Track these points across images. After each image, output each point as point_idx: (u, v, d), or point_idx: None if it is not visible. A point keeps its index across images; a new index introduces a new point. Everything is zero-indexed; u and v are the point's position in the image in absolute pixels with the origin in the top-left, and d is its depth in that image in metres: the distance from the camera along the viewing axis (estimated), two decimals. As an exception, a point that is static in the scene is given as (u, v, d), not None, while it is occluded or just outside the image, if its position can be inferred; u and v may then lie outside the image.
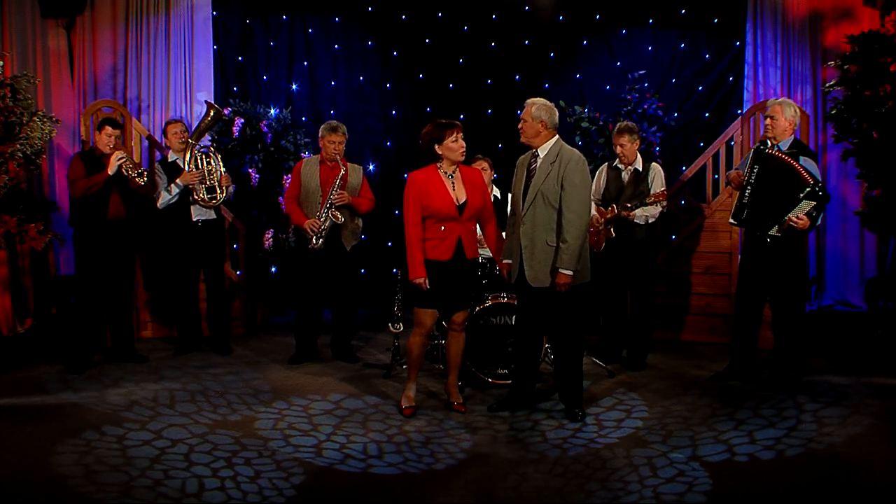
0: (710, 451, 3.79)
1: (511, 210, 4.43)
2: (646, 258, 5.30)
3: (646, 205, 5.11)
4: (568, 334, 4.27)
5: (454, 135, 4.27)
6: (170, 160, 5.61)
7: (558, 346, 4.34)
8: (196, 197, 5.47)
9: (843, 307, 6.90)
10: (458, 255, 4.30)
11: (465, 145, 4.31)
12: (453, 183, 4.32)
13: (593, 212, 5.30)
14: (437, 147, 4.28)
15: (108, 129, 5.23)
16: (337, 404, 4.60)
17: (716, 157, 6.31)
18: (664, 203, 5.14)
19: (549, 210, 4.16)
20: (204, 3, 6.96)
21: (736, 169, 4.98)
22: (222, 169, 5.61)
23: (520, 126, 4.30)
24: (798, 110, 4.75)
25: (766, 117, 4.75)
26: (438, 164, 4.33)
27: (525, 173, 4.30)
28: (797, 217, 4.41)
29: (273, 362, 5.48)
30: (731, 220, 4.74)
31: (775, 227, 4.48)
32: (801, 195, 4.36)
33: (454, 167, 4.35)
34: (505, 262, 4.42)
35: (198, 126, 5.67)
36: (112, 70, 6.79)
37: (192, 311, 5.69)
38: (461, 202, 4.29)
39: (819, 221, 4.55)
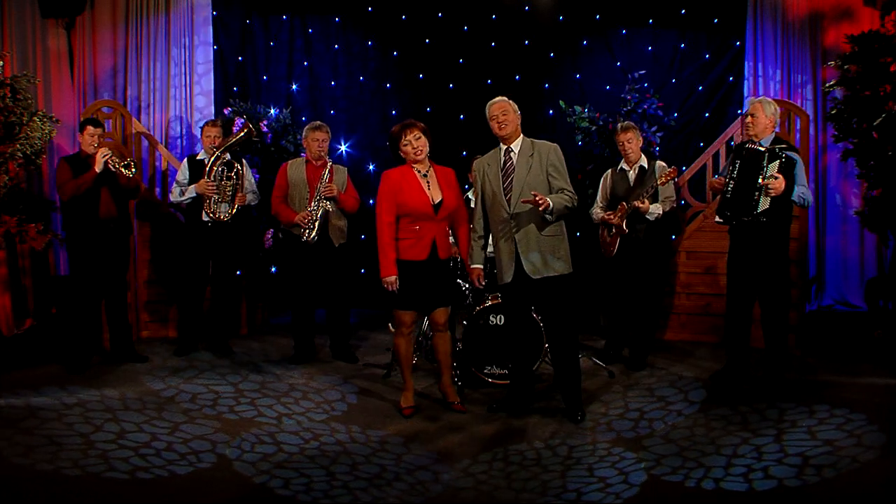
0: (669, 464, 3.75)
1: (479, 213, 4.38)
2: (653, 258, 5.30)
3: (655, 186, 5.08)
4: (563, 330, 4.27)
5: (405, 137, 4.27)
6: (199, 157, 5.65)
7: (555, 344, 4.34)
8: (205, 206, 5.49)
9: (843, 307, 6.90)
10: (433, 256, 4.30)
11: (419, 146, 4.27)
12: (428, 182, 4.32)
13: (602, 214, 5.33)
14: (399, 152, 4.32)
15: (90, 128, 5.23)
16: (334, 404, 4.60)
17: (716, 157, 6.30)
18: (676, 179, 5.14)
19: None
20: (204, 3, 6.96)
21: (717, 176, 5.02)
22: (250, 180, 5.70)
23: (502, 119, 4.23)
24: (778, 108, 4.80)
25: (746, 115, 4.80)
26: (409, 163, 4.33)
27: (499, 171, 4.27)
28: (772, 179, 4.48)
29: (272, 363, 5.48)
30: (717, 219, 4.81)
31: (761, 201, 4.54)
32: (763, 163, 4.52)
33: (426, 166, 4.34)
34: (475, 266, 4.40)
35: (227, 139, 5.67)
36: (112, 70, 6.79)
37: (195, 311, 5.69)
38: (437, 202, 4.29)
39: (801, 195, 4.59)
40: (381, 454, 3.85)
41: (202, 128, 5.74)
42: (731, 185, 4.64)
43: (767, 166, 4.51)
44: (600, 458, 3.78)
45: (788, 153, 4.57)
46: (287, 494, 3.37)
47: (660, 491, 3.38)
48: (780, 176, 4.48)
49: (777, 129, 4.80)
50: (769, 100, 4.80)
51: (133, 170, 5.17)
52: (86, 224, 5.19)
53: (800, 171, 4.61)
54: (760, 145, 4.63)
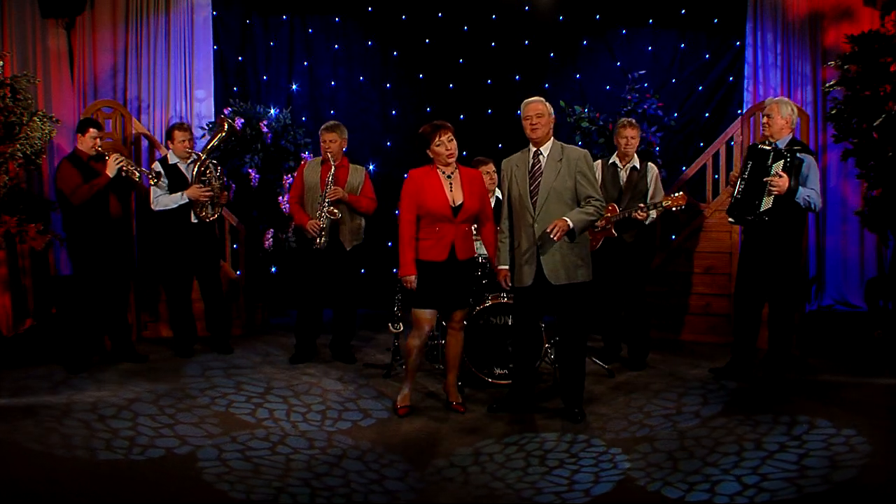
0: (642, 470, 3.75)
1: (506, 213, 4.38)
2: (639, 259, 5.31)
3: (660, 206, 5.08)
4: (575, 334, 4.27)
5: (439, 137, 4.25)
6: (170, 162, 5.56)
7: (564, 347, 4.33)
8: (196, 210, 5.48)
9: (843, 307, 6.90)
10: (451, 257, 4.30)
11: (453, 148, 4.27)
12: (451, 184, 4.31)
13: None
14: (427, 150, 4.31)
15: (93, 130, 5.23)
16: (333, 404, 4.60)
17: (716, 157, 6.31)
18: (682, 205, 5.14)
19: (562, 207, 4.16)
20: (204, 3, 6.96)
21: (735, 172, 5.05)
22: (221, 179, 5.65)
23: (536, 122, 4.22)
24: (796, 109, 4.78)
25: (763, 115, 4.79)
26: (435, 164, 4.34)
27: (526, 173, 4.27)
28: (776, 177, 4.48)
29: (272, 362, 5.48)
30: (730, 219, 4.83)
31: (763, 200, 4.53)
32: (769, 163, 4.53)
33: (453, 168, 4.34)
34: (502, 268, 4.39)
35: (210, 142, 5.64)
36: (112, 70, 6.79)
37: (187, 311, 5.68)
38: (457, 204, 4.28)
39: (805, 196, 4.54)
40: (368, 459, 3.85)
41: (172, 131, 5.58)
42: (742, 186, 4.66)
43: (772, 166, 4.52)
44: (596, 459, 3.76)
45: (799, 154, 4.55)
46: (210, 480, 3.45)
47: (614, 496, 3.37)
48: (784, 175, 4.47)
49: (798, 132, 4.78)
50: (787, 100, 4.78)
51: (154, 175, 5.32)
52: (97, 224, 5.21)
53: (810, 172, 4.57)
54: (771, 145, 4.62)
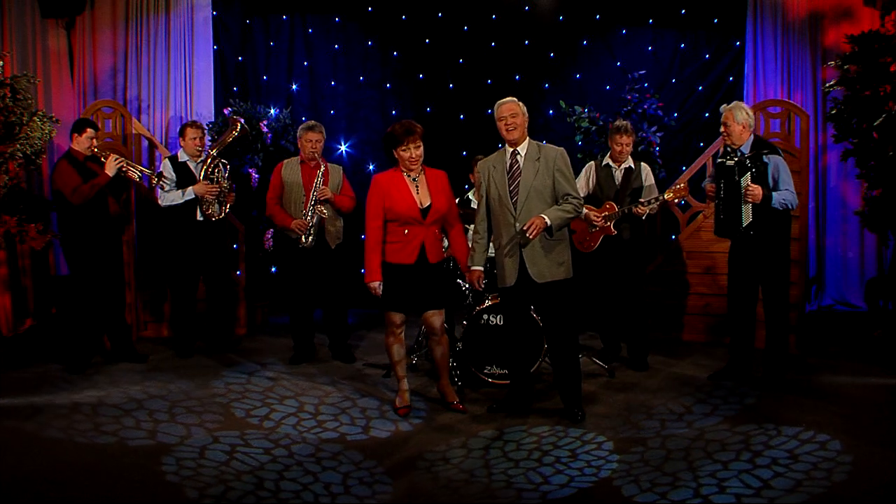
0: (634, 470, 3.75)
1: (483, 214, 4.36)
2: (636, 257, 5.31)
3: (662, 198, 5.10)
4: (564, 333, 4.27)
5: (406, 143, 4.23)
6: (180, 160, 5.57)
7: (555, 346, 4.33)
8: (203, 208, 5.49)
9: (843, 307, 6.90)
10: (422, 260, 4.29)
11: (417, 155, 4.25)
12: (417, 186, 4.31)
13: (586, 211, 5.31)
14: (393, 151, 4.30)
15: (91, 131, 5.23)
16: (330, 406, 4.60)
17: (715, 157, 6.30)
18: (685, 196, 5.18)
19: (542, 206, 4.17)
20: (204, 3, 6.97)
21: (708, 181, 5.05)
22: (229, 180, 5.67)
23: (511, 122, 4.21)
24: (750, 112, 4.75)
25: (720, 125, 4.78)
26: (399, 168, 4.33)
27: (505, 174, 4.26)
28: (748, 190, 4.50)
29: (272, 363, 5.48)
30: (717, 235, 4.84)
31: (743, 216, 4.56)
32: (736, 178, 4.55)
33: (418, 171, 4.33)
34: (475, 268, 4.38)
35: (222, 140, 5.65)
36: (112, 70, 6.80)
37: (190, 310, 5.69)
38: (425, 206, 4.28)
39: (781, 200, 4.56)
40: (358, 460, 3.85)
41: (184, 129, 5.59)
42: (721, 206, 4.68)
43: (740, 180, 4.54)
44: (587, 462, 3.73)
45: (764, 158, 4.55)
46: (165, 461, 3.58)
47: (568, 501, 3.33)
48: (756, 185, 4.50)
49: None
50: (741, 104, 4.77)
51: (157, 177, 5.36)
52: (96, 224, 5.21)
53: (779, 172, 4.58)
54: (735, 155, 4.61)
